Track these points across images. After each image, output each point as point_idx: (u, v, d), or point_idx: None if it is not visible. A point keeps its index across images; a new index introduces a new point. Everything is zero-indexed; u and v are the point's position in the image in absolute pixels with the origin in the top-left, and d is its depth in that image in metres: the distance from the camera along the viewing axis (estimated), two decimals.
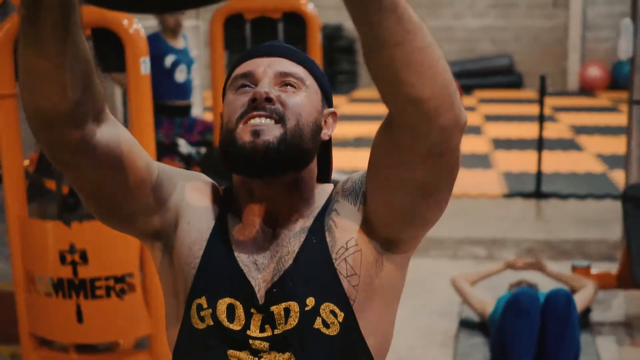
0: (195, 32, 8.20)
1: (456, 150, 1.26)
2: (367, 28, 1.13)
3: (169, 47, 5.66)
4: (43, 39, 1.18)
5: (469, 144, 8.67)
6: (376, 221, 1.41)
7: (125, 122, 4.14)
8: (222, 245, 1.45)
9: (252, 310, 1.41)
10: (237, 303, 1.41)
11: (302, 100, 1.42)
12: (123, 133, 1.36)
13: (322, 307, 1.39)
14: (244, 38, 4.63)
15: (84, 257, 3.11)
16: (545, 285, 4.23)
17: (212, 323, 1.41)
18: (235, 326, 1.41)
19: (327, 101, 1.51)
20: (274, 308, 1.40)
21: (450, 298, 4.40)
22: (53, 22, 1.16)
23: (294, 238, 1.44)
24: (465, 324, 4.20)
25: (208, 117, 6.65)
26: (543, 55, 14.07)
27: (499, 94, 13.68)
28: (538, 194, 7.00)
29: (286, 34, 4.65)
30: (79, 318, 3.15)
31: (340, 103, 12.94)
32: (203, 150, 4.93)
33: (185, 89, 5.73)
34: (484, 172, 7.90)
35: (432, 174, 1.29)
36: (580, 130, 10.15)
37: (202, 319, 1.42)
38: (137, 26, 3.20)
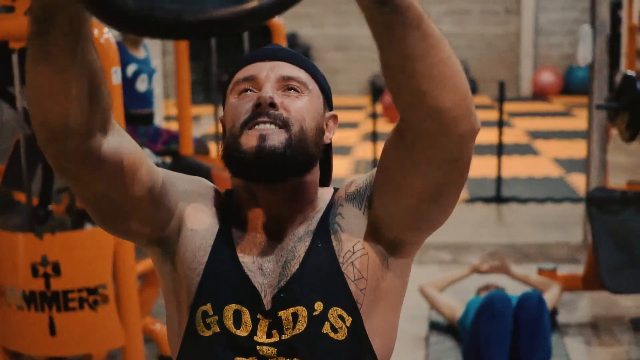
0: (153, 41, 8.16)
1: (470, 155, 1.28)
2: (390, 44, 1.13)
3: (131, 57, 5.61)
4: (53, 54, 1.17)
5: None
6: (382, 225, 1.42)
7: None
8: (226, 251, 1.45)
9: (259, 316, 1.41)
10: (244, 309, 1.41)
11: (305, 104, 1.43)
12: (128, 142, 1.36)
13: (330, 311, 1.40)
14: (209, 47, 4.63)
15: (56, 269, 3.08)
16: (511, 288, 4.27)
17: (218, 330, 1.40)
18: (242, 332, 1.40)
19: (328, 104, 1.51)
20: (281, 313, 1.40)
21: (418, 302, 4.43)
22: (64, 36, 1.15)
23: (298, 242, 1.44)
24: (435, 328, 4.23)
25: (169, 126, 6.62)
26: (496, 61, 14.23)
27: None
28: (498, 199, 7.08)
29: (252, 43, 4.66)
30: (52, 331, 3.12)
31: None
32: (168, 159, 4.91)
33: (147, 99, 5.69)
34: None
35: (444, 178, 1.30)
36: (536, 135, 10.28)
37: (208, 326, 1.41)
38: (108, 36, 3.18)
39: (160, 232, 1.46)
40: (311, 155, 1.42)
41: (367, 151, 8.67)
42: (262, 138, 1.36)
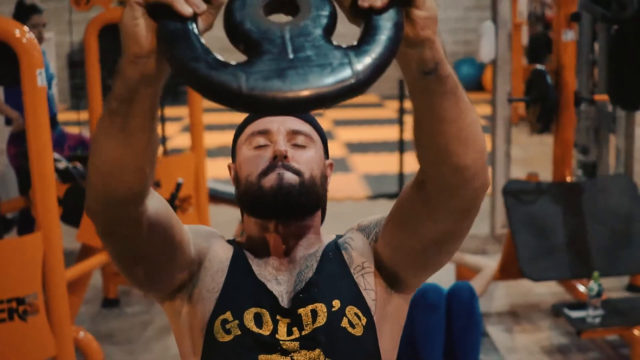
0: (47, 45, 7.92)
1: (478, 208, 1.39)
2: (427, 107, 1.22)
3: None
4: (130, 129, 1.20)
5: None
6: (384, 260, 1.55)
7: None
8: (242, 268, 1.56)
9: (278, 317, 1.49)
10: (264, 310, 1.50)
11: (313, 156, 1.59)
12: (158, 198, 1.42)
13: (347, 309, 1.50)
14: (119, 50, 4.51)
15: None
16: (436, 278, 4.34)
17: (239, 332, 1.47)
18: (264, 331, 1.48)
19: (326, 153, 1.67)
20: (301, 310, 1.49)
21: None
22: (143, 113, 1.19)
23: (310, 257, 1.58)
24: None
25: (70, 130, 6.43)
26: None
27: None
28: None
29: None
30: None
31: (184, 114, 12.79)
32: (79, 165, 4.76)
33: (49, 103, 5.52)
34: (344, 175, 8.04)
35: (454, 227, 1.41)
36: None
37: (228, 331, 1.48)
38: (30, 36, 3.08)
39: (185, 278, 1.55)
40: (320, 196, 1.59)
41: None
42: (280, 178, 1.52)
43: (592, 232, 4.23)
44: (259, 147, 1.57)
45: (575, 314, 3.78)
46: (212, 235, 1.63)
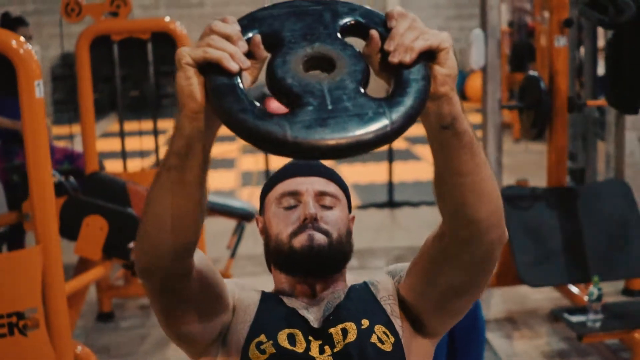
0: None
1: (496, 260, 1.46)
2: (445, 160, 1.31)
3: None
4: (187, 183, 1.27)
5: None
6: (407, 302, 1.63)
7: None
8: (273, 300, 1.66)
9: (310, 337, 1.58)
10: (296, 331, 1.58)
11: (339, 215, 1.69)
12: (200, 252, 1.48)
13: (375, 327, 1.59)
14: (111, 60, 4.50)
15: None
16: None
17: (274, 351, 1.54)
18: (298, 349, 1.56)
19: (350, 208, 1.77)
20: (331, 330, 1.58)
21: None
22: (199, 166, 1.26)
23: (337, 292, 1.68)
24: None
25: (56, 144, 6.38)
26: None
27: None
28: (391, 204, 7.18)
29: (155, 54, 4.56)
30: None
31: (168, 126, 12.79)
32: (72, 178, 4.72)
33: None
34: None
35: (472, 277, 1.49)
36: (415, 140, 10.49)
37: (262, 352, 1.55)
38: (28, 46, 3.05)
39: (225, 322, 1.61)
40: (347, 253, 1.69)
41: (252, 163, 8.65)
42: (311, 239, 1.62)
43: (588, 237, 4.24)
44: (289, 207, 1.68)
45: (576, 319, 3.78)
46: (241, 282, 1.73)
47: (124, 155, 4.81)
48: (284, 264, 1.67)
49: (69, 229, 3.53)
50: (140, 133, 5.16)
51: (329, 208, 1.68)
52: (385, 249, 5.82)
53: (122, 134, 4.80)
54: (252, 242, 5.53)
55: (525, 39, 11.41)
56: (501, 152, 5.73)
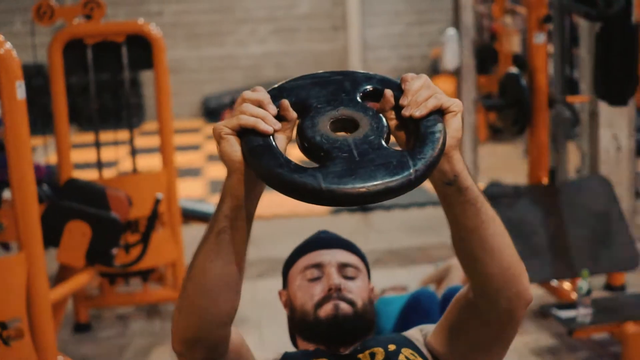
0: None
1: (518, 321, 1.50)
2: (454, 217, 1.39)
3: None
4: (236, 242, 1.34)
5: None
6: (438, 352, 1.67)
7: None
8: (297, 354, 1.74)
9: None
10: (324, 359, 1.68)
11: (361, 285, 1.81)
12: None
13: (403, 349, 1.67)
14: (85, 64, 4.39)
15: None
16: (413, 287, 4.28)
17: None
18: None
19: (369, 277, 1.88)
20: (360, 355, 1.67)
21: None
22: (242, 229, 1.34)
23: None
24: None
25: None
26: None
27: None
28: (363, 207, 7.14)
29: (131, 57, 4.47)
30: None
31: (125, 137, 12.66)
32: (45, 186, 4.60)
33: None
34: None
35: (497, 334, 1.53)
36: None
37: None
38: (8, 46, 2.95)
39: None
40: (370, 321, 1.80)
41: (219, 171, 8.55)
42: (336, 308, 1.73)
43: (571, 232, 4.24)
44: (314, 279, 1.79)
45: (565, 314, 3.76)
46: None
47: (99, 165, 4.71)
48: (309, 334, 1.74)
49: (52, 235, 3.43)
50: (97, 144, 4.97)
51: (352, 279, 1.78)
52: (365, 252, 5.76)
53: (97, 144, 4.69)
54: None
55: (488, 42, 11.46)
56: (477, 153, 5.75)
